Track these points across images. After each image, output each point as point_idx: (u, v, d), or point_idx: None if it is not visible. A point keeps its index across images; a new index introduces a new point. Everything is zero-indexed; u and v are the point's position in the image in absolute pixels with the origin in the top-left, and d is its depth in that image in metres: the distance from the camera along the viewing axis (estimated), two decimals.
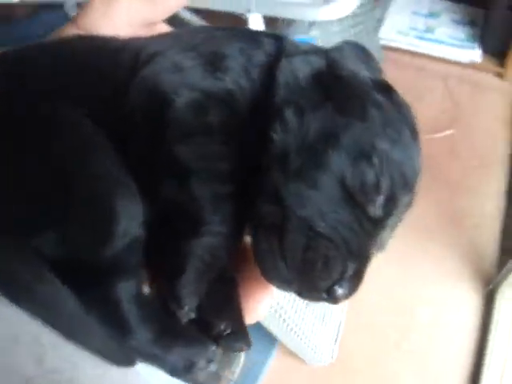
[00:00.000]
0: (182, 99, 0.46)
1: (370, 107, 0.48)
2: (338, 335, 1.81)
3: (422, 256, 2.10)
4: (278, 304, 1.54)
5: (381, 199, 0.46)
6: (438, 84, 2.78)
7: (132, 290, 0.44)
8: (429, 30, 2.95)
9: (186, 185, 0.46)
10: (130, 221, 0.43)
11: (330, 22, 1.61)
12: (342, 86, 0.50)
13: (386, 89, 0.51)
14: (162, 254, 0.46)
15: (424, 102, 2.61)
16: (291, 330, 1.62)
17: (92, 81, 0.48)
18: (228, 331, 0.46)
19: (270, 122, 0.47)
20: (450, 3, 3.07)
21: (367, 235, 0.46)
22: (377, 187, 0.46)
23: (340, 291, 0.45)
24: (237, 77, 0.49)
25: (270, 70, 0.50)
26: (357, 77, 0.51)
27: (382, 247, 0.49)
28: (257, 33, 0.56)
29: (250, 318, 0.49)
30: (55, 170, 0.43)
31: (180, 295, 0.44)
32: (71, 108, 0.45)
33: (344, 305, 1.84)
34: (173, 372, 0.45)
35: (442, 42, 2.89)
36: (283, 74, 0.50)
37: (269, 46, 0.52)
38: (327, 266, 0.44)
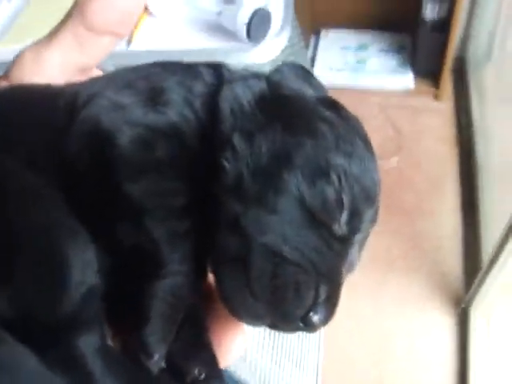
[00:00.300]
0: (125, 136, 0.43)
1: (319, 123, 0.46)
2: (317, 378, 1.77)
3: (386, 287, 2.10)
4: (248, 352, 1.50)
5: (344, 216, 0.44)
6: (378, 114, 2.83)
7: (95, 341, 0.39)
8: (360, 62, 3.02)
9: (140, 225, 0.42)
10: (85, 269, 0.39)
11: (262, 65, 1.62)
12: (287, 106, 0.48)
13: (333, 104, 0.50)
14: (123, 302, 0.42)
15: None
16: (266, 378, 1.58)
17: (29, 130, 0.45)
18: (202, 376, 0.43)
19: (219, 151, 0.45)
20: (375, 33, 3.14)
21: (335, 255, 0.43)
22: (339, 204, 0.44)
23: (316, 317, 0.41)
24: (180, 109, 0.46)
25: (213, 100, 0.48)
26: (301, 95, 0.50)
27: (351, 267, 0.46)
28: (193, 64, 0.54)
29: (224, 360, 0.46)
30: None
31: (148, 343, 0.40)
32: (7, 159, 0.43)
33: (320, 345, 1.81)
34: None
35: (375, 73, 2.95)
36: (227, 102, 0.48)
37: (208, 75, 0.50)
38: (299, 292, 0.41)
